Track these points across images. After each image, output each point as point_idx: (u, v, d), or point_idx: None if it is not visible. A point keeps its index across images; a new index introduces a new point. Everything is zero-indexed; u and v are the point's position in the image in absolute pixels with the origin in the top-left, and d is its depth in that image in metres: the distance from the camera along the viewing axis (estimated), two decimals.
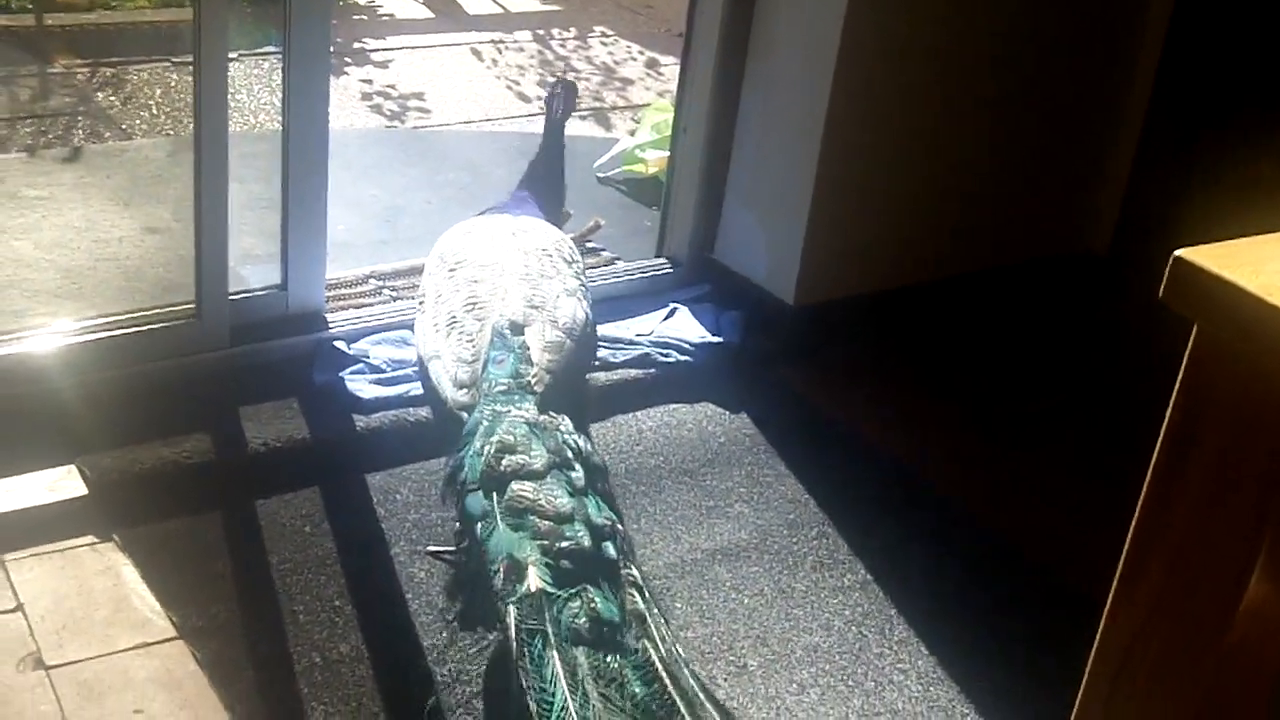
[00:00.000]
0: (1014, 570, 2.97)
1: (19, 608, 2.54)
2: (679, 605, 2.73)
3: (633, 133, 5.13)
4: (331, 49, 3.28)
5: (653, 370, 3.43)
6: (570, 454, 2.47)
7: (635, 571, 2.38)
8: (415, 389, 3.11)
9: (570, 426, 2.55)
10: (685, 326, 3.60)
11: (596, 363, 3.36)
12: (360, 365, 3.22)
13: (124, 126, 5.04)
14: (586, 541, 2.31)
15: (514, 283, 2.75)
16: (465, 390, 2.60)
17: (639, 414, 3.33)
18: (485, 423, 2.49)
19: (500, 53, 6.50)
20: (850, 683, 2.59)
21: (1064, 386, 3.78)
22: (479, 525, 2.35)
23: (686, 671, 2.24)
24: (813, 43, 3.48)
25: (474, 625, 2.41)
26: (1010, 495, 3.24)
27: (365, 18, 6.77)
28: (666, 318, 3.64)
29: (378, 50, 6.31)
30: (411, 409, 3.09)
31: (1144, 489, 1.29)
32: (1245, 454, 1.20)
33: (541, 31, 6.86)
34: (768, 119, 3.63)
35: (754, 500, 3.08)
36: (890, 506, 3.13)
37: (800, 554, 2.93)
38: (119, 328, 3.07)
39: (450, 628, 2.50)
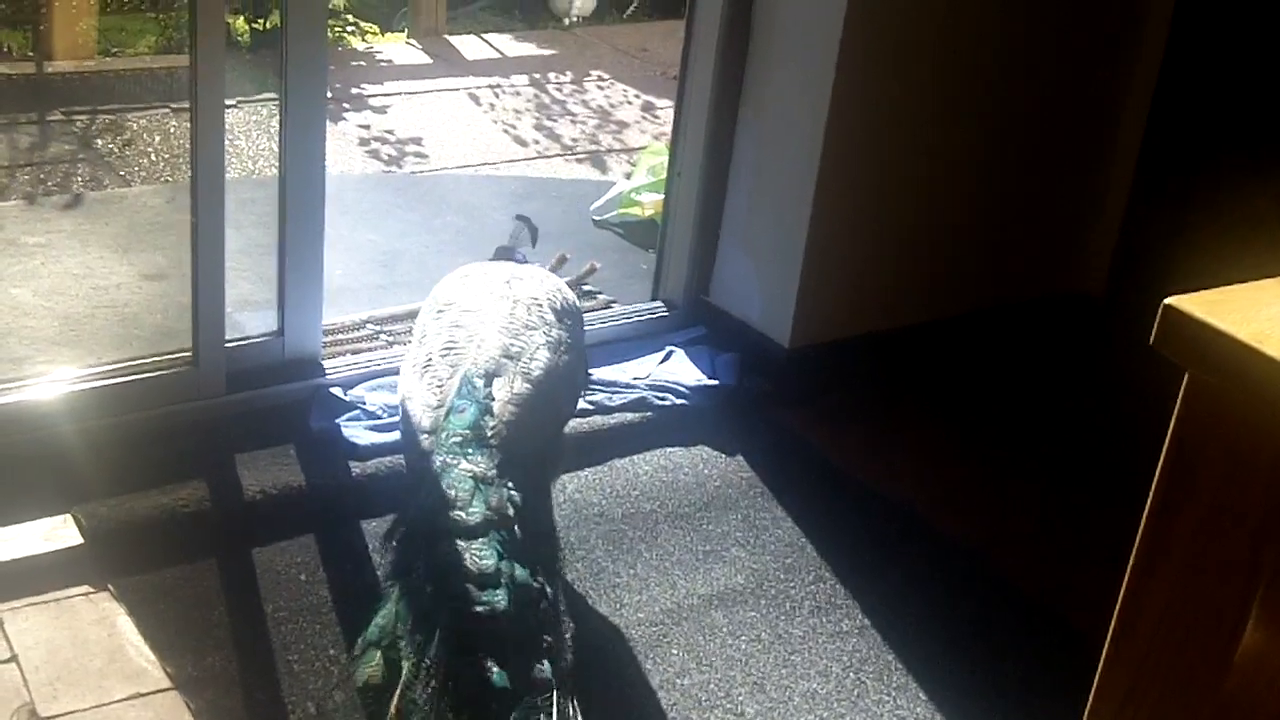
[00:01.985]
0: (1014, 614, 2.95)
1: (13, 658, 2.52)
2: (675, 651, 2.71)
3: (629, 176, 5.15)
4: (329, 94, 3.30)
5: (649, 414, 3.43)
6: (512, 512, 2.41)
7: (563, 637, 2.34)
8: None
9: (514, 486, 2.47)
10: (681, 369, 3.60)
11: (591, 406, 3.37)
12: (357, 411, 3.21)
13: (122, 173, 5.06)
14: (503, 605, 2.27)
15: (493, 332, 2.69)
16: (426, 436, 2.55)
17: (635, 457, 3.32)
18: (431, 475, 2.45)
19: (497, 97, 6.53)
20: None
21: (1062, 427, 3.77)
22: (400, 584, 2.34)
23: None
24: (807, 86, 3.50)
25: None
26: (1009, 537, 3.23)
27: (363, 63, 6.81)
28: (663, 361, 3.64)
29: (375, 95, 6.34)
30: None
31: (1138, 535, 1.29)
32: (1238, 502, 1.20)
33: (538, 76, 6.90)
34: (762, 162, 3.65)
35: (750, 544, 3.07)
36: (888, 549, 3.12)
37: (798, 599, 2.91)
38: (116, 375, 3.08)
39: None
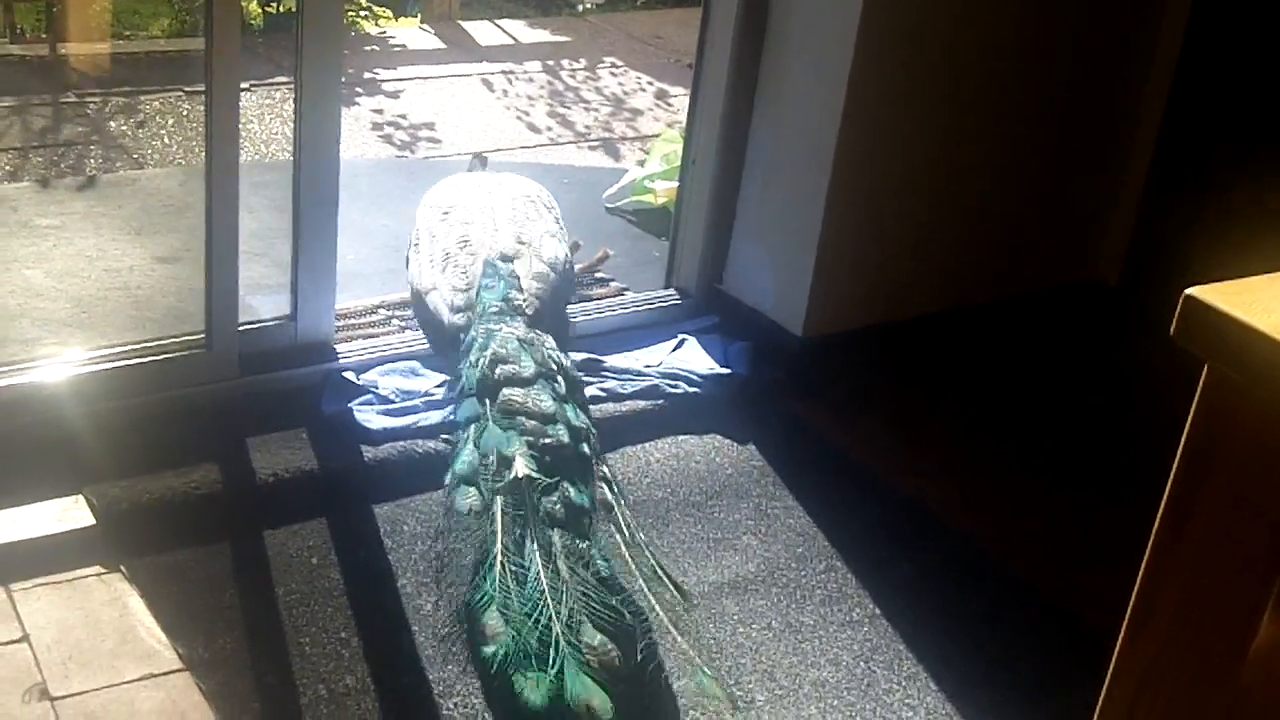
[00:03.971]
0: (1025, 607, 2.95)
1: (25, 638, 2.53)
2: (685, 639, 2.71)
3: (642, 163, 5.13)
4: (343, 79, 3.30)
5: (661, 402, 3.42)
6: (554, 366, 2.83)
7: (606, 469, 2.76)
8: (424, 419, 3.12)
9: (553, 344, 2.91)
10: (694, 358, 3.60)
11: (603, 393, 3.37)
12: (369, 396, 3.21)
13: (136, 156, 5.07)
14: (566, 438, 2.66)
15: (504, 223, 3.15)
16: (461, 314, 2.98)
17: (647, 445, 3.32)
18: (480, 339, 2.85)
19: (510, 83, 6.52)
20: (858, 719, 2.57)
21: (1076, 420, 3.76)
22: (472, 427, 2.69)
23: (647, 554, 2.59)
24: (823, 74, 3.49)
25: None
26: (1020, 530, 3.22)
27: (377, 48, 6.81)
28: (675, 349, 3.64)
29: (389, 80, 6.34)
30: (420, 440, 3.09)
31: (1154, 528, 1.28)
32: (1257, 494, 1.20)
33: (551, 62, 6.89)
34: (777, 150, 3.64)
35: (762, 533, 3.07)
36: (900, 540, 3.12)
37: (808, 587, 2.91)
38: (128, 358, 3.08)
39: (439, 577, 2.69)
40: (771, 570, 2.95)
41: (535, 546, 2.43)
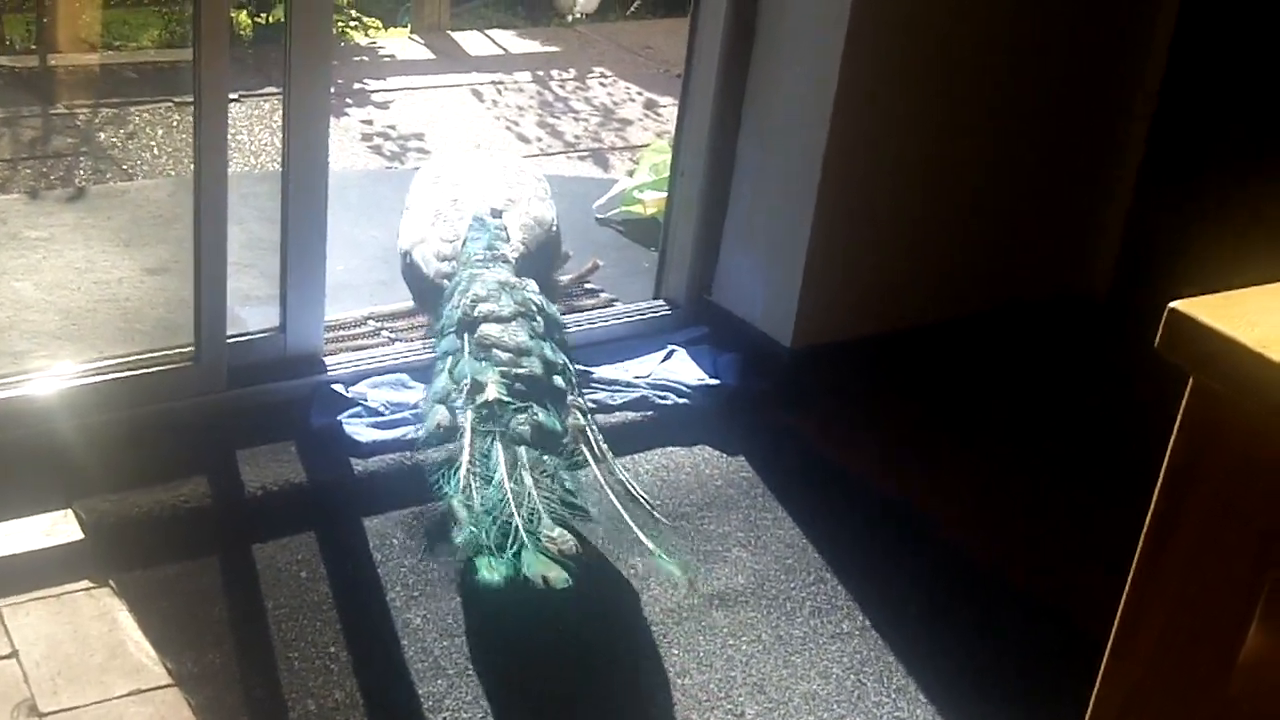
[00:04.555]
0: (1017, 615, 2.94)
1: (14, 654, 2.52)
2: (675, 652, 2.71)
3: (631, 173, 5.13)
4: (332, 90, 3.30)
5: (650, 413, 3.42)
6: (534, 307, 2.97)
7: (581, 400, 2.91)
8: (413, 432, 3.11)
9: (535, 287, 3.05)
10: (683, 369, 3.60)
11: (592, 405, 3.36)
12: (358, 408, 3.21)
13: (125, 167, 5.06)
14: (539, 370, 2.81)
15: (493, 183, 3.33)
16: (447, 262, 3.12)
17: (636, 457, 3.31)
18: (463, 283, 3.01)
19: (500, 93, 6.52)
20: None
21: (1069, 427, 3.76)
22: (449, 358, 2.85)
23: (618, 466, 2.78)
24: (811, 85, 3.49)
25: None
26: (1013, 539, 3.22)
27: (366, 59, 6.80)
28: (664, 360, 3.63)
29: (378, 91, 6.34)
30: (409, 452, 3.08)
31: (1142, 537, 1.29)
32: (1244, 503, 1.20)
33: (541, 72, 6.89)
34: (766, 161, 3.64)
35: (751, 545, 3.07)
36: (890, 551, 3.12)
37: (798, 599, 2.91)
38: (117, 370, 3.07)
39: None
40: (761, 582, 2.95)
41: (501, 459, 2.59)
